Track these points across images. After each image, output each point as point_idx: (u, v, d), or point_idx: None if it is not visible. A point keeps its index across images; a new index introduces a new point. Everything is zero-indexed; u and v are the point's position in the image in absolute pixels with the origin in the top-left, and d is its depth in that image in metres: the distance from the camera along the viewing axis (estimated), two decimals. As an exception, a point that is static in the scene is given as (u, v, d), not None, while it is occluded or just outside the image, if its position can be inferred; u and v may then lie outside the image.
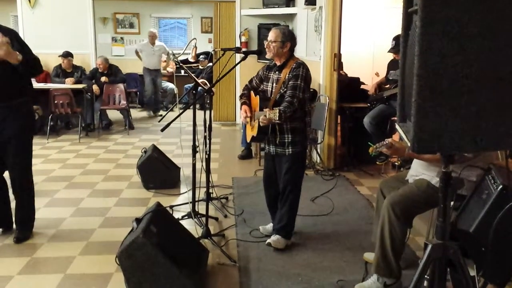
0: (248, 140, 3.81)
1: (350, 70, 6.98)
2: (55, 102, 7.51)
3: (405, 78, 1.70)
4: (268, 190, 3.86)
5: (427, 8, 1.39)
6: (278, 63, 3.61)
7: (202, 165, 3.96)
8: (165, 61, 11.40)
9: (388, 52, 5.66)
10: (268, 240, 3.67)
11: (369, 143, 3.11)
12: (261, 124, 3.48)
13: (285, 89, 3.49)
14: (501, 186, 2.30)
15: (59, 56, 8.36)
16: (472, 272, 2.31)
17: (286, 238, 3.70)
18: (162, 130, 3.41)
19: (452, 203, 1.79)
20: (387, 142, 2.96)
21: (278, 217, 3.73)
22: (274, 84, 3.60)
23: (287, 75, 3.51)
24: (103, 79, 8.30)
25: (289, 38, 3.55)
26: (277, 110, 3.27)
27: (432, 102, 1.42)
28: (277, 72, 3.62)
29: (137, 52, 10.22)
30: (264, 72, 3.73)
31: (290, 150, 3.58)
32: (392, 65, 5.84)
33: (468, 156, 2.77)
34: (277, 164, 3.73)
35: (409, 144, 1.50)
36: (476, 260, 2.32)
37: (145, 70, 10.16)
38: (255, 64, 8.29)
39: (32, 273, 3.31)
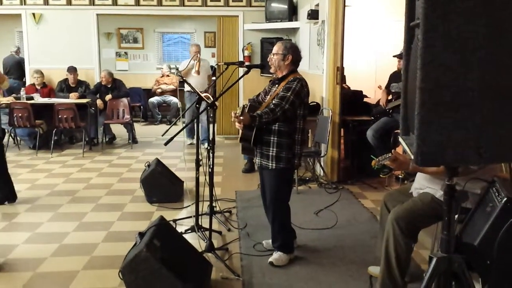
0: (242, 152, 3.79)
1: (353, 83, 7.00)
2: (59, 116, 7.54)
3: (408, 91, 1.70)
4: (265, 201, 3.84)
5: (429, 22, 1.40)
6: (279, 76, 3.61)
7: (205, 179, 3.96)
8: (168, 75, 11.48)
9: (394, 56, 5.66)
10: (270, 259, 3.64)
11: (371, 156, 3.09)
12: (233, 122, 3.48)
13: None
14: (505, 199, 2.29)
15: (67, 71, 8.41)
16: (478, 286, 2.29)
17: (287, 253, 3.68)
18: (166, 144, 3.42)
19: (456, 216, 1.78)
20: (390, 155, 2.94)
21: (272, 237, 3.71)
22: (270, 95, 3.60)
23: (282, 88, 3.50)
24: (108, 97, 8.33)
25: (291, 52, 3.54)
26: (242, 106, 3.29)
27: (435, 115, 1.43)
28: (276, 85, 3.62)
29: (180, 74, 8.04)
30: (269, 86, 3.74)
31: (274, 165, 3.53)
32: (394, 78, 5.85)
33: (472, 169, 2.76)
34: (263, 178, 3.72)
35: (412, 157, 1.50)
36: (481, 273, 2.30)
37: (187, 93, 8.36)
38: (258, 78, 8.33)
39: (35, 288, 3.30)
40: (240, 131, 3.58)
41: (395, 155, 2.93)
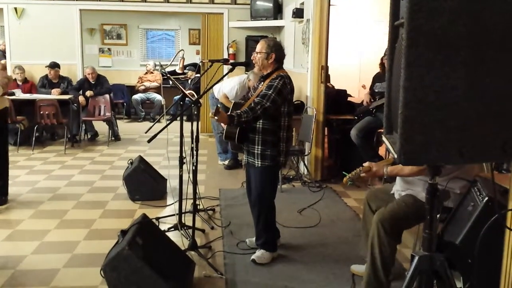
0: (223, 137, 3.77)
1: (337, 82, 7.02)
2: (41, 112, 7.44)
3: (392, 90, 1.71)
4: (251, 199, 3.84)
5: (413, 21, 1.40)
6: (264, 74, 3.61)
7: (189, 177, 3.94)
8: (152, 72, 11.42)
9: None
10: (252, 257, 3.64)
11: (343, 172, 3.11)
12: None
13: None
14: (486, 198, 2.31)
15: (46, 66, 8.32)
16: (459, 284, 2.31)
17: (271, 251, 3.68)
18: (149, 141, 3.39)
19: (438, 215, 1.79)
20: (361, 168, 2.99)
21: (256, 234, 3.71)
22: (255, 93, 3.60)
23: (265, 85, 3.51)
24: (88, 94, 8.25)
25: (274, 50, 3.53)
26: (217, 106, 3.30)
27: (418, 114, 1.43)
28: (262, 83, 3.62)
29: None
30: (257, 84, 3.74)
31: (259, 162, 3.53)
32: (377, 78, 5.88)
33: (450, 168, 2.79)
34: (250, 175, 3.72)
35: (395, 156, 1.51)
36: (462, 272, 2.33)
37: (214, 100, 6.61)
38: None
39: (16, 286, 3.25)
40: (224, 129, 3.58)
41: (368, 166, 2.98)
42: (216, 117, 3.27)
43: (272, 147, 3.52)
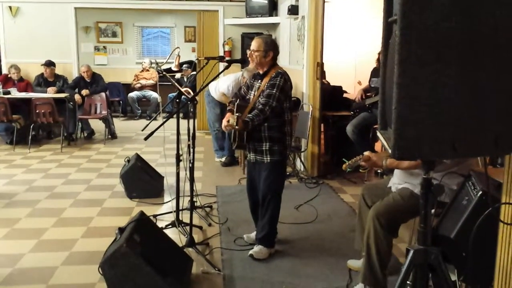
0: (233, 147, 3.80)
1: (332, 79, 7.04)
2: (37, 111, 7.43)
3: (386, 86, 1.73)
4: (251, 197, 3.87)
5: (406, 18, 1.42)
6: (261, 72, 3.64)
7: (186, 174, 3.95)
8: (148, 70, 11.40)
9: None
10: (250, 252, 3.67)
11: (343, 159, 3.13)
12: (224, 130, 3.55)
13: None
14: (480, 192, 2.33)
15: (42, 65, 8.30)
16: (453, 277, 2.33)
17: (268, 247, 3.71)
18: (146, 139, 3.40)
19: (433, 209, 1.81)
20: (361, 156, 3.00)
21: (260, 227, 3.74)
22: (255, 92, 3.62)
23: (266, 84, 3.54)
24: (84, 93, 8.24)
25: (271, 47, 3.58)
26: (236, 115, 3.33)
27: (412, 110, 1.45)
28: (259, 81, 3.64)
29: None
30: (251, 81, 3.76)
31: (269, 158, 3.59)
32: (375, 73, 5.90)
33: (447, 164, 2.81)
34: (257, 172, 3.75)
35: (390, 151, 1.53)
36: (457, 265, 2.35)
37: (210, 98, 6.65)
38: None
39: (14, 284, 3.26)
40: (233, 133, 3.59)
41: (368, 155, 3.00)
42: (237, 126, 3.32)
43: (279, 142, 3.59)
